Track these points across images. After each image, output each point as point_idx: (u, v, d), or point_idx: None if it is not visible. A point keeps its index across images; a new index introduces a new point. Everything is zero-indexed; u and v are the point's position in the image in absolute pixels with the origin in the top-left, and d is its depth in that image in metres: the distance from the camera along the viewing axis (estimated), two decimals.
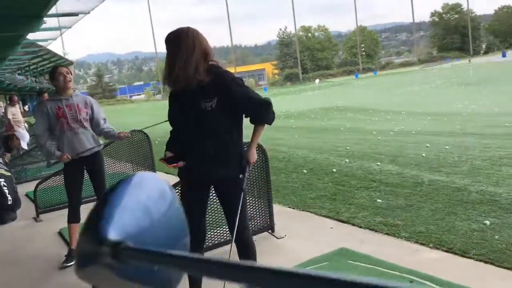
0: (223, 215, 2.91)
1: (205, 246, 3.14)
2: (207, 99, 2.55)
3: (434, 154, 7.15)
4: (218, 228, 4.12)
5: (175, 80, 2.56)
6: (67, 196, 4.43)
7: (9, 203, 6.47)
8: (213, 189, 2.91)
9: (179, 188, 2.96)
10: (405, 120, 14.29)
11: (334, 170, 6.73)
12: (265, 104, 2.69)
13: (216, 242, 4.14)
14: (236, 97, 2.59)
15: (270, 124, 2.76)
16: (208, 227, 3.80)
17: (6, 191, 6.53)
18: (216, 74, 2.58)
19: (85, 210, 4.61)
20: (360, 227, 4.32)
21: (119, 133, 4.24)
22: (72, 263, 4.23)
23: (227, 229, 4.19)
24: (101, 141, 4.53)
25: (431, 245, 3.68)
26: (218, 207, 3.37)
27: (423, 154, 7.17)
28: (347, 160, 7.34)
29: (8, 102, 11.78)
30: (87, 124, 4.24)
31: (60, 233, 5.30)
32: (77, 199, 4.39)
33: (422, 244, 3.74)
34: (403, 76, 51.83)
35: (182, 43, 2.53)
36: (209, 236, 4.06)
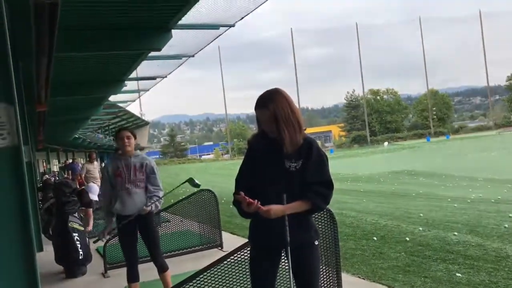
0: None
1: None
2: (293, 160, 2.55)
3: None
4: None
5: (285, 141, 2.51)
6: (124, 255, 4.52)
7: (80, 257, 6.69)
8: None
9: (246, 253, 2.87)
10: (482, 187, 13.47)
11: (407, 238, 6.34)
12: (332, 186, 2.59)
13: None
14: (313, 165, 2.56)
15: (323, 209, 2.75)
16: None
17: (79, 245, 6.78)
18: (306, 139, 2.59)
19: (143, 270, 4.65)
20: None
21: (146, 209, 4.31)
22: None
23: None
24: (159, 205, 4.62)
25: None
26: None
27: (506, 225, 6.61)
28: (420, 229, 6.92)
29: (88, 159, 12.52)
30: (142, 185, 4.40)
31: None
32: (133, 258, 4.45)
33: None
34: (478, 141, 49.58)
35: (281, 106, 2.52)
36: None
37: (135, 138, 4.50)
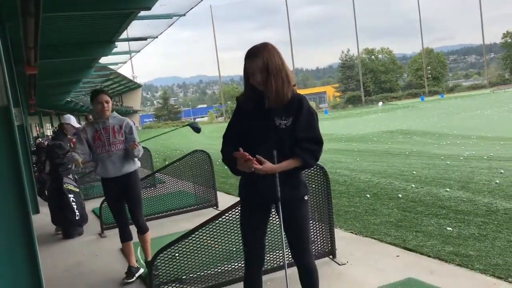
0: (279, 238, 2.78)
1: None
2: (283, 117, 2.52)
3: (509, 181, 6.65)
4: (276, 252, 4.01)
5: (266, 92, 2.50)
6: (114, 218, 4.56)
7: (77, 218, 6.75)
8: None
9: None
10: (475, 145, 13.56)
11: (400, 195, 6.43)
12: (321, 142, 2.60)
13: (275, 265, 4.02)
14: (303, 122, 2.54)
15: (313, 165, 2.74)
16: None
17: (75, 206, 6.82)
18: (296, 96, 2.56)
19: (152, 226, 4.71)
20: (429, 256, 4.04)
21: (129, 145, 4.25)
22: (132, 279, 4.28)
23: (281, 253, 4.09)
24: (139, 164, 4.57)
25: (510, 279, 3.36)
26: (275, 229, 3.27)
27: (497, 181, 6.70)
28: (413, 185, 7.00)
29: (86, 122, 12.80)
30: (121, 146, 4.32)
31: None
32: (122, 221, 4.47)
33: (499, 277, 3.42)
34: (472, 99, 49.63)
35: (273, 57, 2.49)
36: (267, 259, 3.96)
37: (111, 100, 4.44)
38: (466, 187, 6.59)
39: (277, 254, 4.03)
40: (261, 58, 2.46)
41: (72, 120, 7.38)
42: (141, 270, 4.49)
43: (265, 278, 3.88)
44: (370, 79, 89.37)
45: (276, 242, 3.94)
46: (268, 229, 2.86)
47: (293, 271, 2.76)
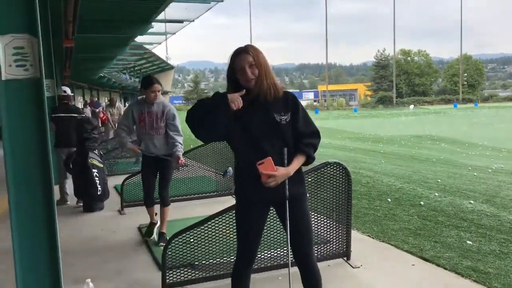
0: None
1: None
2: (282, 113, 2.55)
3: None
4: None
5: (259, 89, 2.52)
6: (142, 186, 5.07)
7: (99, 193, 6.88)
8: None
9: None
10: (506, 158, 13.21)
11: (422, 203, 6.31)
12: (319, 136, 2.64)
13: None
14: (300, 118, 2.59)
15: (314, 159, 2.63)
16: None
17: (97, 181, 6.95)
18: (289, 93, 2.64)
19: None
20: (445, 268, 3.96)
21: (177, 159, 4.70)
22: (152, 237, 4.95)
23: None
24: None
25: None
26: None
27: None
28: (436, 194, 6.87)
29: (109, 103, 13.58)
30: (162, 131, 4.78)
31: (139, 229, 5.47)
32: (149, 190, 4.98)
33: None
34: (507, 111, 48.23)
35: (261, 54, 2.56)
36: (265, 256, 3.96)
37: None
38: (491, 201, 6.42)
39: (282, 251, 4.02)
40: (250, 54, 2.51)
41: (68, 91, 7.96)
42: (158, 224, 5.06)
43: (277, 272, 3.89)
44: (404, 81, 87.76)
45: (279, 240, 3.91)
46: (273, 227, 2.82)
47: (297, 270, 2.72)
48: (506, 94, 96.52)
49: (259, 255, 3.94)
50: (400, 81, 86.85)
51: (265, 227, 2.84)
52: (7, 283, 3.71)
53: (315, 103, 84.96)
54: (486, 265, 3.97)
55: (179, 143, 4.75)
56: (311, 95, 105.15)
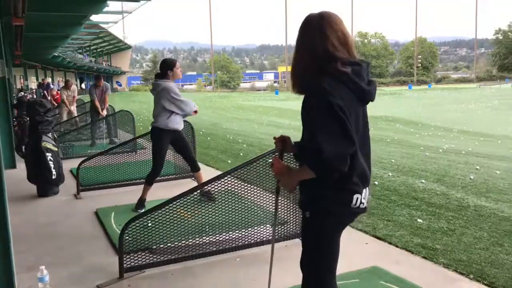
0: None
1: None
2: None
3: (483, 178, 6.79)
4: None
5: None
6: (158, 163, 5.44)
7: (53, 177, 6.70)
8: None
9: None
10: (456, 138, 13.75)
11: (376, 182, 6.52)
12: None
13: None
14: None
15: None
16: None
17: (52, 165, 6.76)
18: None
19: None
20: (397, 246, 4.14)
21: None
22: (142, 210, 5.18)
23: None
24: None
25: (471, 276, 3.47)
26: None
27: (471, 177, 6.83)
28: (390, 174, 7.11)
29: (64, 85, 13.57)
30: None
31: (96, 213, 5.39)
32: (162, 165, 5.45)
33: (461, 273, 3.52)
34: (458, 92, 50.06)
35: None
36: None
37: None
38: (441, 180, 6.71)
39: (255, 229, 4.08)
40: None
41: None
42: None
43: (235, 254, 3.94)
44: None
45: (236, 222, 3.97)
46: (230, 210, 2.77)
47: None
48: (457, 76, 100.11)
49: (218, 237, 3.99)
50: None
51: (219, 210, 2.86)
52: None
53: (275, 84, 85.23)
54: (434, 242, 4.16)
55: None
56: (271, 76, 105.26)
